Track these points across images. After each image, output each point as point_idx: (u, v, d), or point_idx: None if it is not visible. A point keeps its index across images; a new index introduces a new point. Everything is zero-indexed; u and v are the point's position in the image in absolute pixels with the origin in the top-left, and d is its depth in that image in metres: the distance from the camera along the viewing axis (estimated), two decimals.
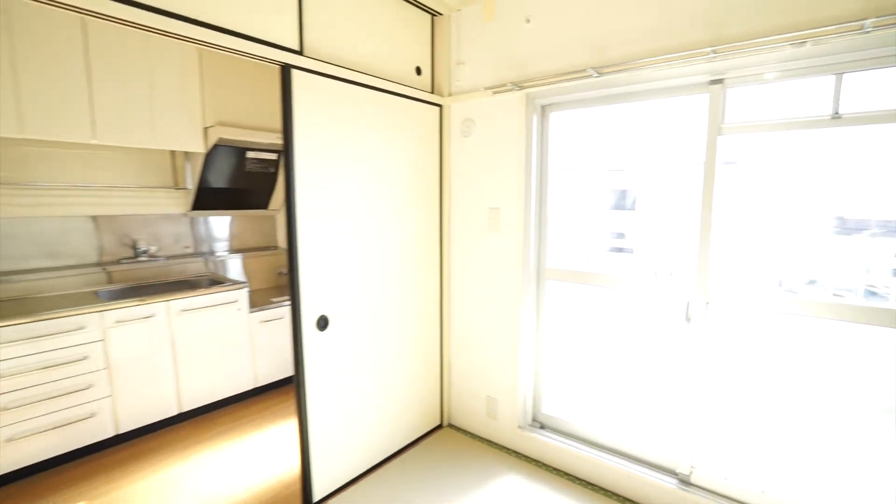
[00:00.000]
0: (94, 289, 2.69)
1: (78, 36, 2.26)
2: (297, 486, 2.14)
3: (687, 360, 1.90)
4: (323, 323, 1.93)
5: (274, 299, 3.17)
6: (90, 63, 2.31)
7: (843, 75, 1.54)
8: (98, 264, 2.79)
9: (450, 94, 2.44)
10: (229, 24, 1.55)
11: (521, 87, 2.13)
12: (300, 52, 1.76)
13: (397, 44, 2.21)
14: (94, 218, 2.77)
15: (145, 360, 2.51)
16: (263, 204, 3.50)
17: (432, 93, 2.41)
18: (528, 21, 2.12)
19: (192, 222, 3.23)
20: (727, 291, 1.79)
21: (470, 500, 2.06)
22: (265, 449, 2.47)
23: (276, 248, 3.70)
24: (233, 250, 3.45)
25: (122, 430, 2.46)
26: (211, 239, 3.34)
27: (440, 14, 2.38)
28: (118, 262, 2.88)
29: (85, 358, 2.29)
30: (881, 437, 1.72)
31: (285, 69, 1.72)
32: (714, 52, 1.62)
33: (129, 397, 2.47)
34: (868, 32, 1.36)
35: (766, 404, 1.96)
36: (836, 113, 1.54)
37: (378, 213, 2.17)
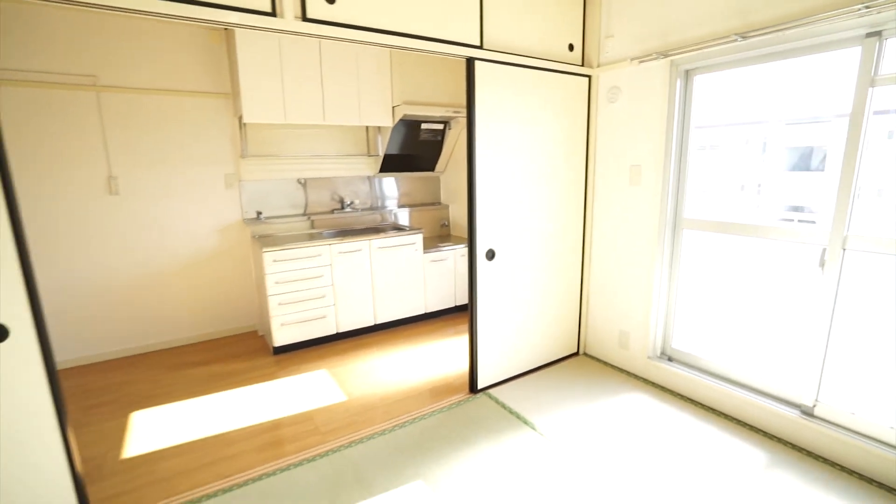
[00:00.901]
0: (318, 230, 3.72)
1: (316, 52, 3.14)
2: (465, 379, 2.85)
3: (818, 303, 2.06)
4: (491, 255, 2.54)
5: (440, 245, 3.92)
6: (322, 68, 3.19)
7: None
8: (318, 213, 3.82)
9: (598, 66, 2.77)
10: (432, 33, 2.15)
11: (666, 55, 2.38)
12: (480, 47, 2.30)
13: (553, 28, 2.61)
14: (315, 179, 3.78)
15: (355, 282, 3.45)
16: (430, 167, 4.25)
17: (582, 65, 2.77)
18: None
19: (376, 182, 4.11)
20: (865, 240, 1.90)
21: (601, 405, 2.54)
22: (435, 355, 3.25)
23: (439, 203, 4.47)
24: (404, 205, 4.29)
25: (340, 330, 3.46)
26: (389, 196, 4.21)
27: None
28: (331, 212, 3.89)
29: (321, 276, 3.29)
30: None
31: (470, 61, 2.28)
32: (866, 7, 1.72)
33: (345, 308, 3.44)
34: None
35: None
36: None
37: (535, 169, 2.66)
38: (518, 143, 2.56)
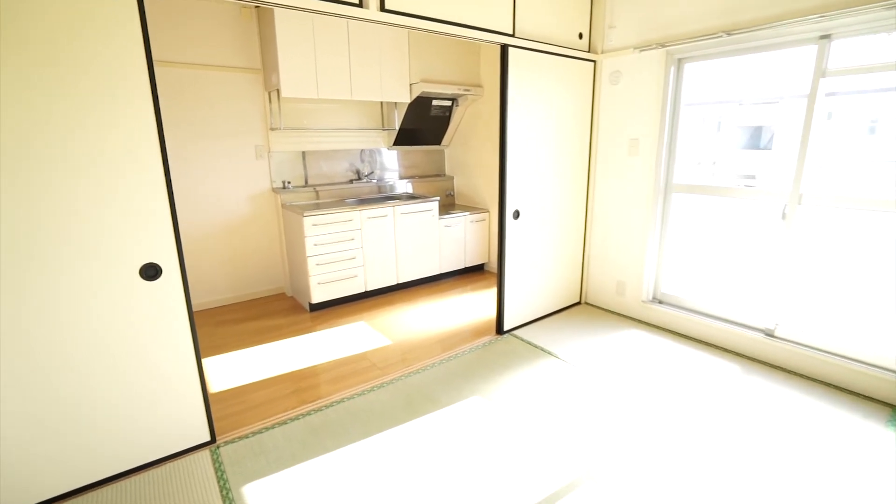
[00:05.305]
0: (340, 198, 4.03)
1: (344, 32, 3.40)
2: (490, 324, 3.32)
3: (779, 247, 2.64)
4: (516, 214, 2.97)
5: (450, 212, 4.32)
6: (350, 49, 3.46)
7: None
8: (339, 183, 4.12)
9: (602, 52, 3.21)
10: (475, 22, 2.50)
11: (664, 46, 2.84)
12: (513, 35, 2.68)
13: (567, 19, 3.01)
14: (335, 151, 4.07)
15: (380, 245, 3.81)
16: (437, 141, 4.61)
17: (588, 52, 3.20)
18: None
19: (388, 154, 4.43)
20: (816, 196, 2.47)
21: (607, 338, 3.07)
22: (456, 308, 3.69)
23: (443, 175, 4.84)
24: (413, 176, 4.64)
25: (369, 288, 3.83)
26: (399, 167, 4.54)
27: None
28: (350, 181, 4.19)
29: (352, 239, 3.63)
30: None
31: (504, 47, 2.66)
32: (821, 16, 2.23)
33: (373, 268, 3.80)
34: None
35: (842, 282, 2.64)
36: None
37: (550, 141, 3.10)
38: (538, 118, 2.98)
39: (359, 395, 2.45)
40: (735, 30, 2.52)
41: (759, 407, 2.29)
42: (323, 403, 2.37)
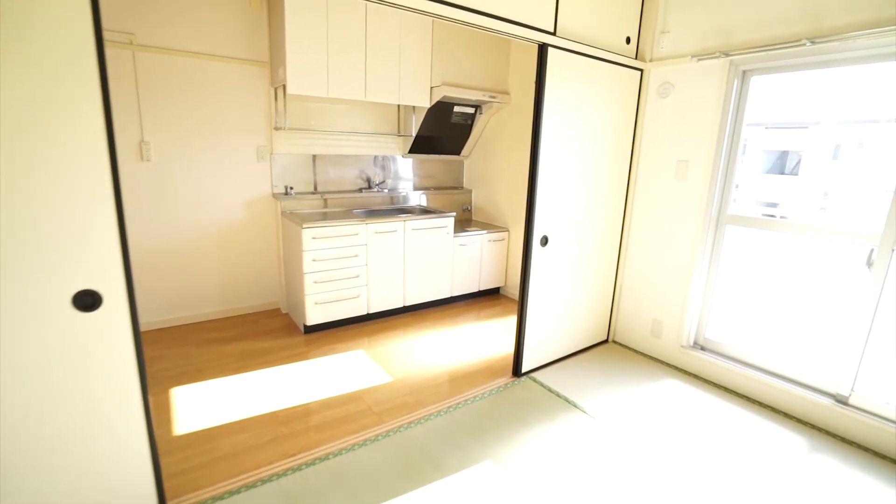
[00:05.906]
0: (346, 209, 3.66)
1: (361, 25, 3.05)
2: (505, 362, 2.91)
3: (861, 299, 2.20)
4: (544, 241, 2.57)
5: (466, 229, 3.92)
6: (367, 45, 3.11)
7: None
8: (346, 192, 3.75)
9: (651, 60, 2.81)
10: (508, 14, 2.12)
11: (727, 55, 2.43)
12: (554, 34, 2.29)
13: (615, 20, 2.62)
14: (344, 157, 3.71)
15: (387, 263, 3.42)
16: (457, 150, 4.23)
17: (635, 59, 2.80)
18: None
19: (403, 162, 4.06)
20: None
21: (641, 390, 2.63)
22: (468, 339, 3.28)
23: (461, 188, 4.45)
24: (428, 187, 4.26)
25: (371, 311, 3.44)
26: (413, 177, 4.17)
27: None
28: (359, 190, 3.83)
29: (356, 256, 3.25)
30: None
31: (543, 47, 2.27)
32: None
33: (377, 288, 3.41)
34: None
35: None
36: None
37: (586, 158, 2.69)
38: (574, 133, 2.58)
39: (348, 449, 2.05)
40: (822, 37, 2.10)
41: (832, 496, 1.84)
42: (303, 460, 1.97)
